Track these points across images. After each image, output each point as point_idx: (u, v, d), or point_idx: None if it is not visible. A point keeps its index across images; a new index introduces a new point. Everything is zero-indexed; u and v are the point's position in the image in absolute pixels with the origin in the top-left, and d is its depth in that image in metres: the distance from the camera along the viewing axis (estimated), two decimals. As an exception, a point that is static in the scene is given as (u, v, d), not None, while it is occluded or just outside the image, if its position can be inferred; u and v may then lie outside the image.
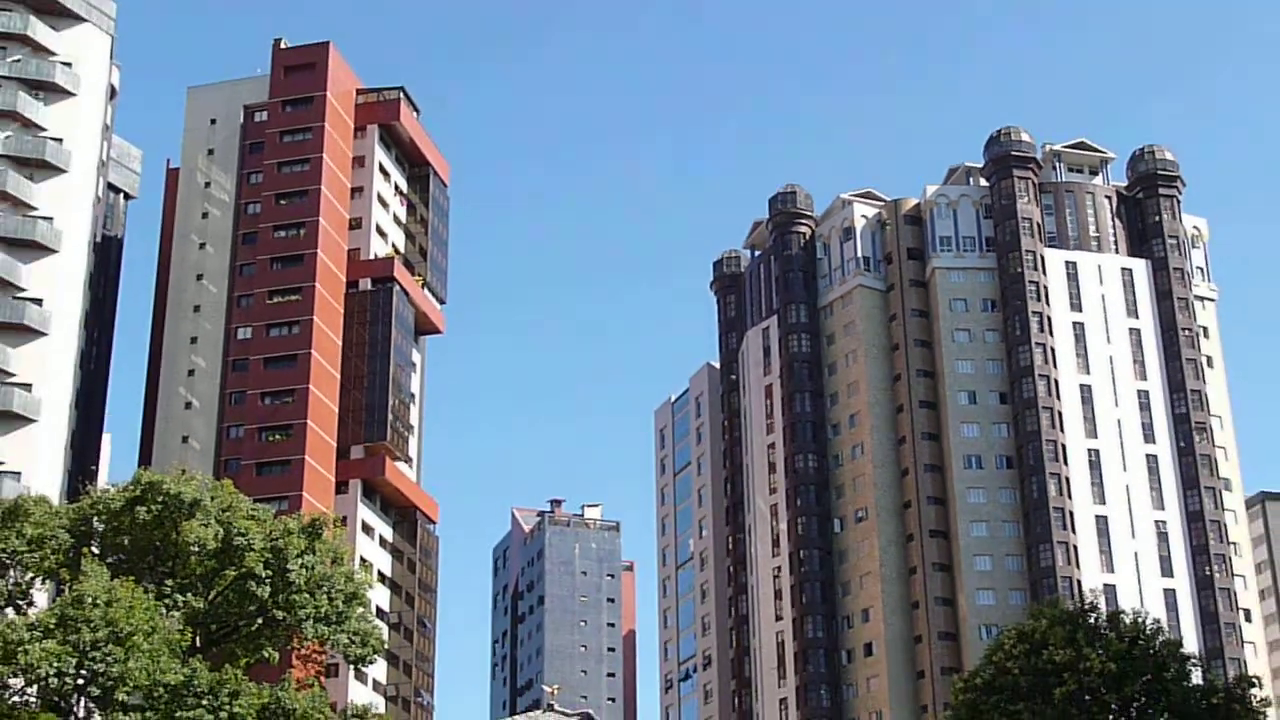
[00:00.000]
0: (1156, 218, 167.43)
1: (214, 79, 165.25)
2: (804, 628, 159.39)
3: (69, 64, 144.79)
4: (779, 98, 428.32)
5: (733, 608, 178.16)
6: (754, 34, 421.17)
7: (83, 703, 54.01)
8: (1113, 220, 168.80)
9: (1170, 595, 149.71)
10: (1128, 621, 56.91)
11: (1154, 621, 58.73)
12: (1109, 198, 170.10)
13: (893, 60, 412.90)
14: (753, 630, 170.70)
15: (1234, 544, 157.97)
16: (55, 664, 49.66)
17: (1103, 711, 53.67)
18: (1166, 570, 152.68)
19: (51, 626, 50.74)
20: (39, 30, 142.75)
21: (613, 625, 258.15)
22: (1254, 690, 58.02)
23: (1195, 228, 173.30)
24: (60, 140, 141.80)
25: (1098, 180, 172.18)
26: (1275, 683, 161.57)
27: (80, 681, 51.30)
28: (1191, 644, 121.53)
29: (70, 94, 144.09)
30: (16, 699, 53.76)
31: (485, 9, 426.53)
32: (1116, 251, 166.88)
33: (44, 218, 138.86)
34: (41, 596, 60.18)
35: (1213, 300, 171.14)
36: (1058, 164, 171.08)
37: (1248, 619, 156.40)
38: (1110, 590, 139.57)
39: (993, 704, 54.26)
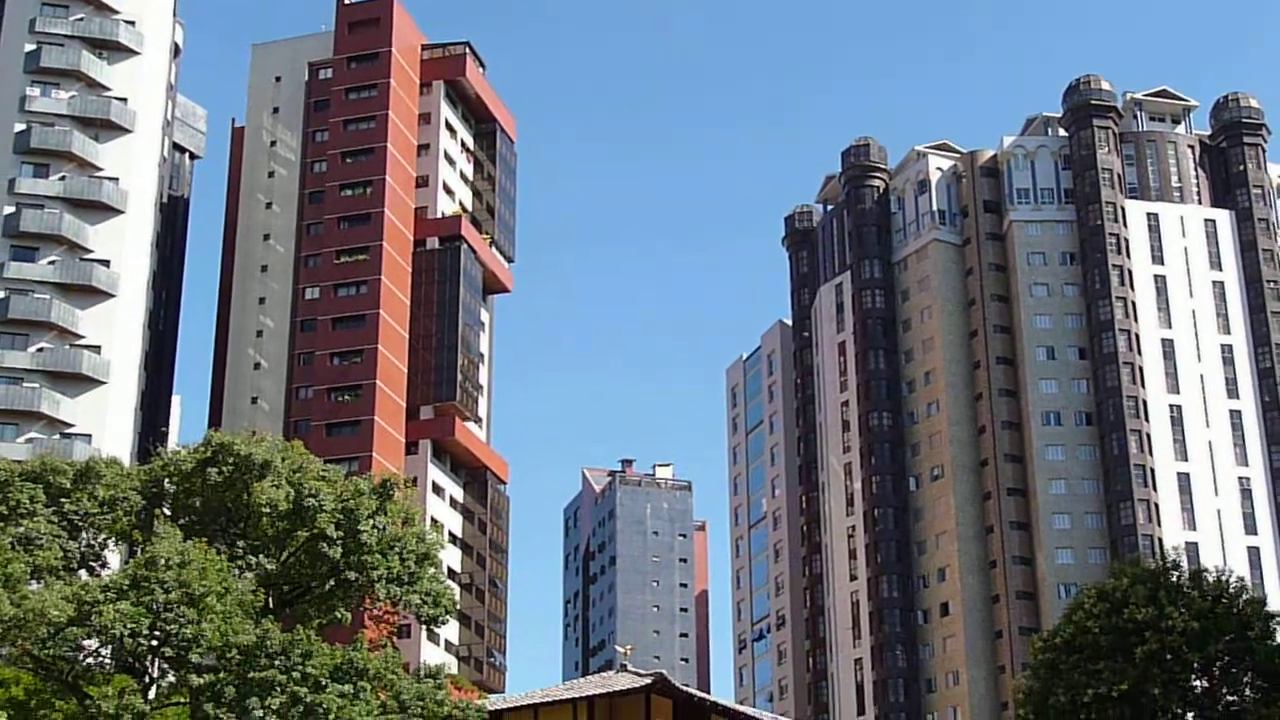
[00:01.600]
0: (1241, 167, 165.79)
1: (278, 36, 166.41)
2: (879, 587, 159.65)
3: (132, 22, 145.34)
4: (852, 49, 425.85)
5: (806, 567, 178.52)
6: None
7: (157, 664, 54.57)
8: (1195, 170, 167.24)
9: (1254, 553, 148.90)
10: (1211, 579, 56.54)
11: (1238, 579, 58.25)
12: (1191, 147, 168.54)
13: (969, 9, 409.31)
14: (827, 590, 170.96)
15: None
16: (129, 625, 50.08)
17: (1185, 671, 53.51)
18: (1250, 528, 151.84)
19: (125, 588, 51.17)
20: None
21: (685, 585, 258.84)
22: (1341, 649, 57.58)
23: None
24: (125, 100, 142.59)
25: (1180, 129, 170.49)
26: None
27: (154, 643, 51.75)
28: (1277, 603, 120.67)
29: (134, 52, 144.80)
30: (91, 660, 54.42)
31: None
32: (1199, 202, 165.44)
33: (110, 178, 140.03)
34: (114, 558, 60.87)
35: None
36: (1139, 113, 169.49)
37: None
38: (1192, 548, 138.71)
39: (1072, 663, 54.17)
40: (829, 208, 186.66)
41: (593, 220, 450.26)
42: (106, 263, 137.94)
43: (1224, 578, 57.19)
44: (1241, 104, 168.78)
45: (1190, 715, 53.52)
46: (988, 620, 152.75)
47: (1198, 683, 53.70)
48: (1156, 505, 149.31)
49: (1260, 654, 53.57)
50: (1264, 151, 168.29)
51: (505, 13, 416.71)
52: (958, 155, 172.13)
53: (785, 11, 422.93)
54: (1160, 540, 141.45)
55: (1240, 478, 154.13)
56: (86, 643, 52.45)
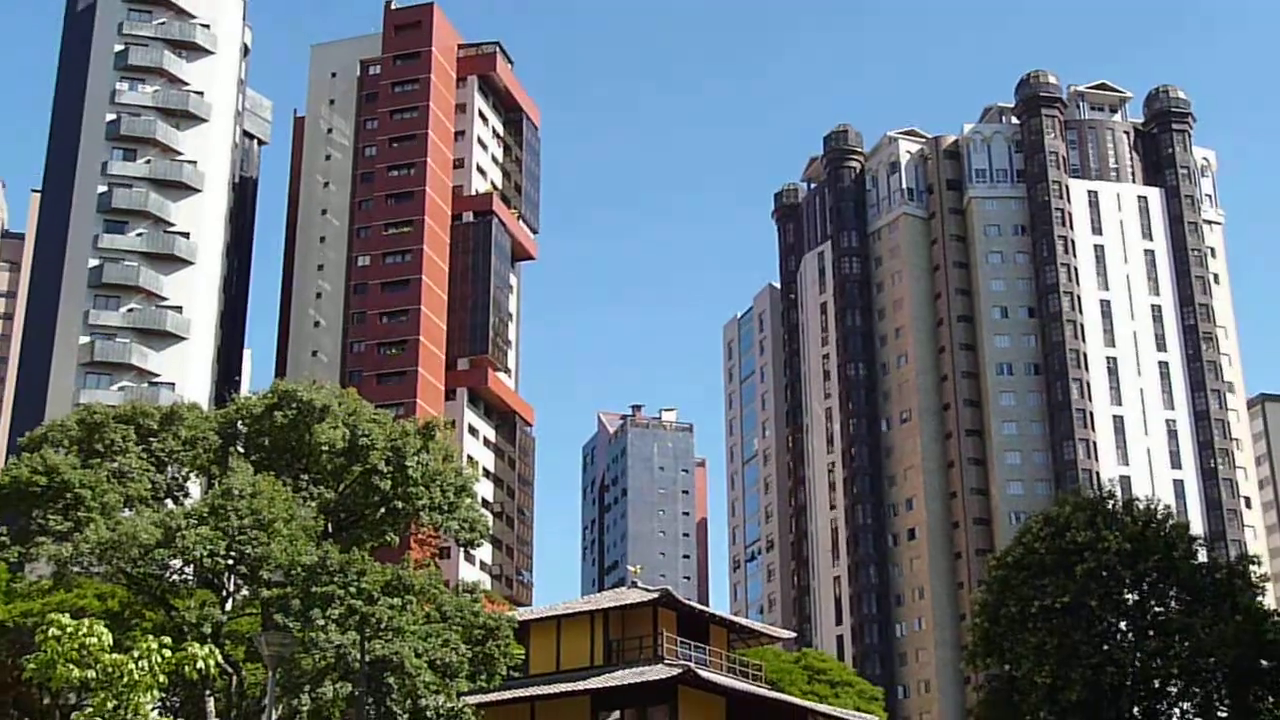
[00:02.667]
0: (1170, 150, 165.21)
1: (334, 37, 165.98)
2: (855, 515, 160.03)
3: (207, 25, 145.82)
4: (833, 44, 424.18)
5: (792, 498, 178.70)
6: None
7: (232, 580, 54.94)
8: (1130, 153, 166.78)
9: (1179, 485, 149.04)
10: (1141, 507, 56.58)
11: (1165, 507, 58.31)
12: (1127, 133, 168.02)
13: (935, 9, 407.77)
14: (810, 517, 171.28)
15: (1236, 440, 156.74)
16: (209, 547, 50.36)
17: (1118, 585, 53.72)
18: (1175, 463, 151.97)
19: (205, 515, 51.45)
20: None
21: (687, 514, 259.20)
22: (1254, 567, 57.68)
23: (1205, 159, 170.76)
24: (201, 93, 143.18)
25: (1117, 117, 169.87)
26: (1273, 561, 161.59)
27: (230, 561, 52.08)
28: (1198, 527, 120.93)
29: (209, 52, 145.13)
30: (176, 577, 54.77)
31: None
32: (1133, 181, 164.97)
33: (189, 161, 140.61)
34: (195, 489, 61.08)
35: (1219, 224, 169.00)
36: (1081, 103, 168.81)
37: (1248, 506, 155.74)
38: (1125, 480, 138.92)
39: (1021, 579, 54.42)
40: (812, 185, 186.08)
41: (607, 194, 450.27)
42: (186, 235, 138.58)
43: (1153, 506, 57.31)
44: (1171, 95, 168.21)
45: (1123, 624, 53.77)
46: (948, 543, 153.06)
47: (1129, 596, 53.92)
48: (1095, 444, 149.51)
49: (1183, 571, 53.82)
50: (1190, 136, 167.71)
51: (530, 11, 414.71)
52: (924, 140, 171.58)
53: (779, 8, 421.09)
54: (1097, 474, 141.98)
55: (1167, 420, 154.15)
56: (172, 562, 52.78)
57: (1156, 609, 53.66)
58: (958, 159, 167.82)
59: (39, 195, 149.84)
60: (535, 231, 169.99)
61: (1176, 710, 53.71)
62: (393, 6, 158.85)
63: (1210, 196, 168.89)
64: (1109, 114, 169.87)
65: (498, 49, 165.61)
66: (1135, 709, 52.70)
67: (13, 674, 57.37)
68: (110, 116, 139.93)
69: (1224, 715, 53.26)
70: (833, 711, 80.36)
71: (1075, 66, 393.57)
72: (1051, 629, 52.44)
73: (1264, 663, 53.30)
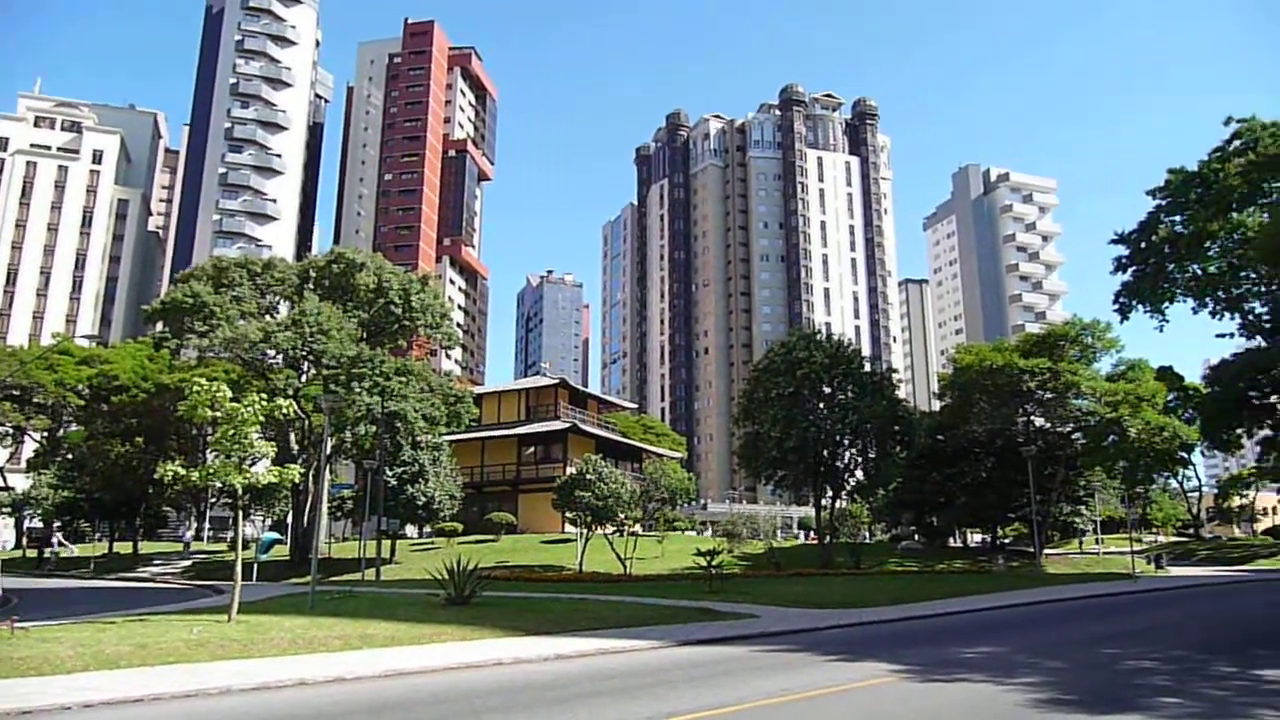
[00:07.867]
0: (864, 136, 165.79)
1: (372, 38, 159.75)
2: (674, 339, 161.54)
3: (294, 26, 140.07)
4: (674, 60, 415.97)
5: (639, 327, 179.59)
6: (664, 22, 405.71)
7: (306, 364, 54.10)
8: (843, 135, 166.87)
9: (858, 328, 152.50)
10: (835, 339, 57.80)
11: (849, 341, 59.67)
12: (841, 124, 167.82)
13: (737, 42, 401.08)
14: (648, 339, 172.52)
15: (890, 304, 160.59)
16: (292, 344, 49.54)
17: (820, 382, 54.78)
18: (856, 316, 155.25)
19: (289, 324, 50.42)
20: (277, 8, 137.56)
21: (577, 335, 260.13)
22: (894, 375, 59.60)
23: (884, 141, 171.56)
24: (290, 69, 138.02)
25: (835, 114, 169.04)
26: (905, 372, 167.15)
27: (304, 353, 51.25)
28: (866, 352, 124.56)
29: (294, 44, 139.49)
30: (271, 361, 53.82)
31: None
32: (844, 152, 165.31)
33: (281, 111, 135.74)
34: (283, 309, 59.68)
35: (889, 179, 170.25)
36: (815, 104, 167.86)
37: (894, 340, 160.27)
38: (828, 325, 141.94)
39: (766, 378, 55.35)
40: (658, 144, 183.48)
41: (538, 146, 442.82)
42: (279, 156, 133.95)
43: (842, 339, 58.48)
44: (866, 103, 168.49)
45: (821, 404, 54.85)
46: (727, 357, 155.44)
47: (826, 389, 55.02)
48: (812, 303, 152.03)
49: (856, 376, 55.08)
50: (876, 127, 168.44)
51: (495, 25, 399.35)
52: (725, 120, 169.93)
53: (645, 49, 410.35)
54: (812, 320, 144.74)
55: (854, 291, 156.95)
56: (269, 352, 51.84)
57: (840, 396, 54.94)
58: (744, 133, 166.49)
59: (188, 127, 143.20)
60: (492, 163, 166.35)
61: (847, 453, 55.38)
62: (409, 20, 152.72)
63: (885, 163, 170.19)
64: (831, 111, 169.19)
65: (473, 51, 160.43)
66: (825, 451, 54.25)
67: (173, 415, 56.33)
68: (233, 80, 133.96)
69: (873, 455, 55.11)
70: (657, 449, 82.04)
71: (813, 81, 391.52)
72: (781, 406, 53.59)
73: (895, 427, 55.29)
